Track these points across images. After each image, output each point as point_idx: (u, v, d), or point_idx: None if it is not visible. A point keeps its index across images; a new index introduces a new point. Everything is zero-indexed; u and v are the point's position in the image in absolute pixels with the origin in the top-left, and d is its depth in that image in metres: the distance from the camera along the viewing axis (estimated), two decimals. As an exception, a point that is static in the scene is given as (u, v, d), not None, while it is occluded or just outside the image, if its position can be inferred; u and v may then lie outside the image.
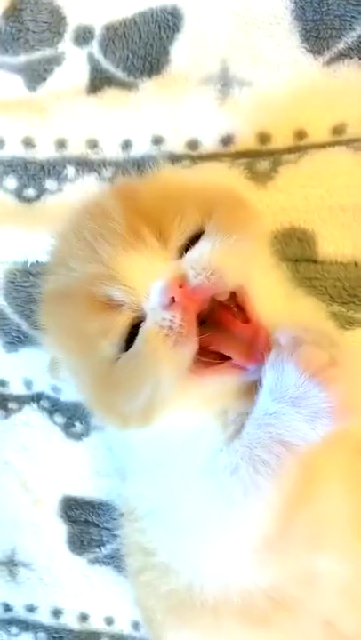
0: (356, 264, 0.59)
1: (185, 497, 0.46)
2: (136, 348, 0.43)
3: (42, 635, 0.73)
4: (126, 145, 0.65)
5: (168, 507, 0.48)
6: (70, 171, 0.67)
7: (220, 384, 0.44)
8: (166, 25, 0.64)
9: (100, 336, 0.43)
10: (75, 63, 0.67)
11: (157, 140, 0.64)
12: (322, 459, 0.45)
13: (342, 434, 0.47)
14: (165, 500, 0.48)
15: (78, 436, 0.69)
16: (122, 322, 0.43)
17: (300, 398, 0.40)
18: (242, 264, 0.44)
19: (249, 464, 0.42)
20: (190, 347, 0.42)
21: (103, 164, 0.66)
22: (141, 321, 0.43)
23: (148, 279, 0.42)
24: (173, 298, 0.41)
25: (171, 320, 0.41)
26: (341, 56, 0.60)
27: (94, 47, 0.66)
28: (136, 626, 0.69)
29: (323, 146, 0.59)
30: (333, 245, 0.59)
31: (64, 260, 0.46)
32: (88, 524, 0.70)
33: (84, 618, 0.71)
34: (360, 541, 0.48)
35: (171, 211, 0.44)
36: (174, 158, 0.63)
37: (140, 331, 0.43)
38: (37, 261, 0.66)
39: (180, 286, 0.41)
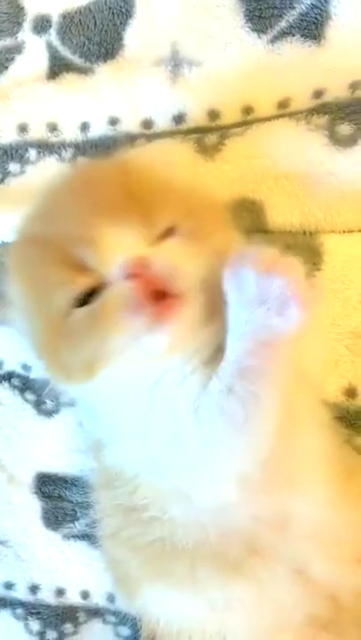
0: (304, 232, 0.60)
1: (176, 437, 0.47)
2: (91, 308, 0.45)
3: (20, 611, 0.73)
4: (84, 127, 0.68)
5: (158, 453, 0.49)
6: (32, 153, 0.69)
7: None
8: (119, 11, 0.67)
9: (59, 286, 0.45)
10: (34, 51, 0.69)
11: (114, 121, 0.67)
12: (297, 404, 0.47)
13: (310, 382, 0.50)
14: (154, 449, 0.49)
15: (49, 413, 0.70)
16: (83, 282, 0.45)
17: (264, 294, 0.41)
18: (196, 274, 0.45)
19: (242, 377, 0.43)
20: (143, 319, 0.43)
21: (63, 145, 0.68)
22: (100, 288, 0.45)
23: (121, 254, 0.44)
24: (135, 274, 0.43)
25: (130, 290, 0.43)
26: (284, 34, 0.62)
27: (52, 35, 0.69)
28: (111, 598, 0.70)
29: (268, 119, 0.61)
30: (282, 215, 0.60)
31: (50, 212, 0.48)
32: (62, 499, 0.71)
33: (60, 593, 0.72)
34: (332, 489, 0.50)
35: (160, 199, 0.46)
36: (130, 137, 0.66)
37: (102, 294, 0.45)
38: (2, 242, 0.68)
39: (144, 267, 0.43)
